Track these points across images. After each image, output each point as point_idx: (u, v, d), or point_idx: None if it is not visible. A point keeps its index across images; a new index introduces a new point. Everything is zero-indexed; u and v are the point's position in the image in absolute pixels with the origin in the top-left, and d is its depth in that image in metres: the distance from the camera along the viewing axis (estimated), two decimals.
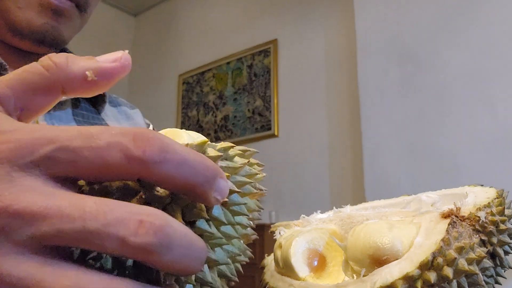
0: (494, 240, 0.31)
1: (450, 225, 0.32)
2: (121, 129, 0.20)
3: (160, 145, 0.20)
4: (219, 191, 0.22)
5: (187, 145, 0.25)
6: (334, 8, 2.51)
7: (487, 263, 0.31)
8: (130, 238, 0.18)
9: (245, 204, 0.27)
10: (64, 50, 0.76)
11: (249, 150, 0.29)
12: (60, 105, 0.66)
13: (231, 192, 0.26)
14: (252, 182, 0.28)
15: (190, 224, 0.25)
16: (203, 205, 0.24)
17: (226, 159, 0.27)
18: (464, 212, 0.33)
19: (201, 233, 0.25)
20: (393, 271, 0.31)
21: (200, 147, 0.25)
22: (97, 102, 0.75)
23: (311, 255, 0.39)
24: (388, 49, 2.05)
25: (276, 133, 2.58)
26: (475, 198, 0.35)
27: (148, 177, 0.20)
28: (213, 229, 0.25)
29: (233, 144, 0.28)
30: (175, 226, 0.19)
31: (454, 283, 0.30)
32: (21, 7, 0.58)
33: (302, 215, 0.46)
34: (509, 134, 1.68)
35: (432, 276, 0.29)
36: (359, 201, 0.51)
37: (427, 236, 0.32)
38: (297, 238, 0.40)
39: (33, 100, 0.23)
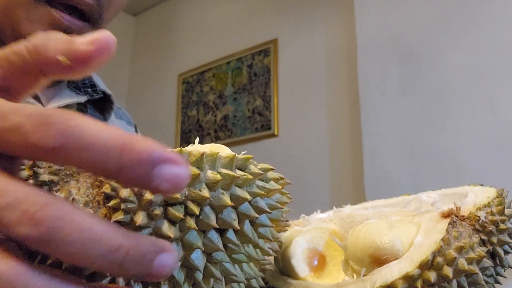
0: (494, 239, 0.31)
1: (450, 225, 0.32)
2: (32, 110, 0.19)
3: (60, 130, 0.18)
4: (161, 179, 0.18)
5: (234, 156, 0.26)
6: (334, 8, 2.51)
7: (487, 262, 0.31)
8: (11, 228, 0.17)
9: (271, 227, 0.28)
10: None
11: (284, 179, 0.29)
12: (67, 109, 0.67)
13: (262, 211, 0.26)
14: (281, 208, 0.28)
15: (220, 231, 0.25)
16: (235, 215, 0.25)
17: (263, 180, 0.27)
18: (464, 211, 0.33)
19: (227, 243, 0.25)
20: (393, 271, 0.31)
21: (244, 161, 0.26)
22: (105, 109, 0.75)
23: (311, 254, 0.40)
24: (388, 49, 2.05)
25: (276, 133, 2.58)
26: (475, 197, 0.35)
27: (48, 161, 0.19)
28: (239, 243, 0.26)
29: (272, 167, 0.28)
30: (69, 220, 0.17)
31: (454, 282, 0.30)
32: (33, 21, 0.57)
33: (302, 215, 0.46)
34: (510, 134, 1.68)
35: (432, 276, 0.29)
36: (359, 201, 0.51)
37: (427, 236, 0.32)
38: (297, 238, 0.40)
39: (16, 81, 0.23)
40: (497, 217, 0.32)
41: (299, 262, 0.38)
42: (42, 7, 0.57)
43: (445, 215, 0.33)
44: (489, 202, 0.33)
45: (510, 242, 0.32)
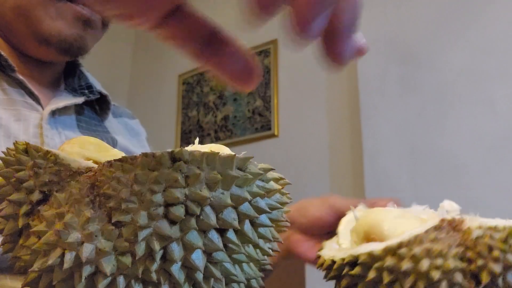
0: (480, 262, 0.30)
1: (435, 228, 0.32)
2: None
3: None
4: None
5: (234, 156, 0.26)
6: None
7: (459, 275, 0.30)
8: None
9: (271, 227, 0.28)
10: (76, 62, 0.76)
11: (284, 179, 0.29)
12: (66, 110, 0.69)
13: (262, 211, 0.26)
14: (281, 208, 0.29)
15: (220, 232, 0.25)
16: (236, 215, 0.25)
17: (263, 180, 0.27)
18: (464, 226, 0.32)
19: (227, 243, 0.25)
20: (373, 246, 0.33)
21: (244, 161, 0.26)
22: (102, 110, 0.77)
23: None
24: (388, 49, 2.05)
25: (276, 133, 2.58)
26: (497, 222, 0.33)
27: None
28: (239, 243, 0.26)
29: (272, 167, 0.28)
30: None
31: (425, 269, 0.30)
32: (54, 17, 0.60)
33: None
34: (510, 134, 1.68)
35: (390, 262, 0.31)
36: None
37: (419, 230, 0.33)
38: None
39: None
40: (492, 243, 0.30)
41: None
42: (61, 4, 0.59)
43: (442, 221, 0.33)
44: (496, 226, 0.31)
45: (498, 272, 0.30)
